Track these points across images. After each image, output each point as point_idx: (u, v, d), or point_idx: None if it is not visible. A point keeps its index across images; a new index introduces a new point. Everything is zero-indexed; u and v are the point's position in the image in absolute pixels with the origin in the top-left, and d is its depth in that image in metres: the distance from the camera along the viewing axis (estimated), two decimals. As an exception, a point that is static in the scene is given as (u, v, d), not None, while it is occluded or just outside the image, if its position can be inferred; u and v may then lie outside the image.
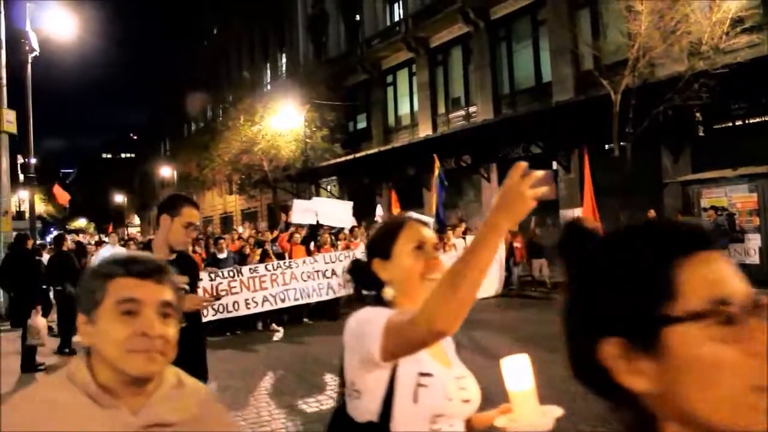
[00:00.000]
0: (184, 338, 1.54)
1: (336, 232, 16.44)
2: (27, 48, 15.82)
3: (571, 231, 1.00)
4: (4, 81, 14.05)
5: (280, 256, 14.18)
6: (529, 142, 21.76)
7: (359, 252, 13.22)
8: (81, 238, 19.63)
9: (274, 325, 13.12)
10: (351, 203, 17.49)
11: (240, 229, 22.39)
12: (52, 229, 79.02)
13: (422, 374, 1.82)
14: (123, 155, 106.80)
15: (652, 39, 15.19)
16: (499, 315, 13.13)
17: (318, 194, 33.57)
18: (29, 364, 9.83)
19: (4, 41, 14.18)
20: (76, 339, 11.75)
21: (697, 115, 15.96)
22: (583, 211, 16.00)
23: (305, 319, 13.68)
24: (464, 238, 16.13)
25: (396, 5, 30.70)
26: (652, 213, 15.83)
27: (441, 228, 16.15)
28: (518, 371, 1.75)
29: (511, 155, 22.82)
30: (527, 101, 23.03)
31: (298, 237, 14.64)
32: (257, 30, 44.25)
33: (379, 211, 19.59)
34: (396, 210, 19.74)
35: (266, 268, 13.05)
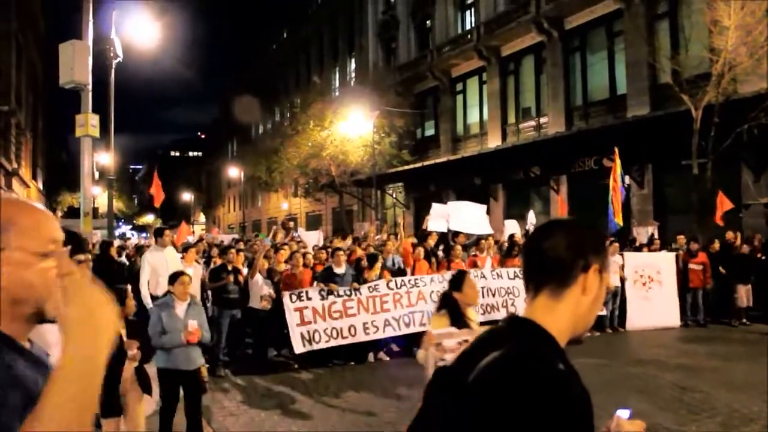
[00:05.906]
0: None
1: (471, 244, 13.41)
2: (112, 54, 16.39)
3: None
4: (90, 86, 14.55)
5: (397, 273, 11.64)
6: (602, 155, 21.31)
7: (487, 270, 11.77)
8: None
9: (382, 355, 10.78)
10: (485, 206, 14.73)
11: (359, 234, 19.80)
12: (120, 224, 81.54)
13: None
14: (191, 154, 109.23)
15: (738, 54, 14.74)
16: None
17: (383, 200, 33.62)
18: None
19: (91, 48, 14.70)
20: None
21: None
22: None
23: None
24: (622, 255, 13.38)
25: (468, 13, 30.56)
26: (730, 234, 15.26)
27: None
28: None
29: (582, 168, 22.46)
30: (600, 113, 22.60)
31: (420, 250, 12.12)
32: (327, 35, 44.68)
33: (531, 218, 16.80)
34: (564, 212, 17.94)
35: (388, 286, 10.85)
